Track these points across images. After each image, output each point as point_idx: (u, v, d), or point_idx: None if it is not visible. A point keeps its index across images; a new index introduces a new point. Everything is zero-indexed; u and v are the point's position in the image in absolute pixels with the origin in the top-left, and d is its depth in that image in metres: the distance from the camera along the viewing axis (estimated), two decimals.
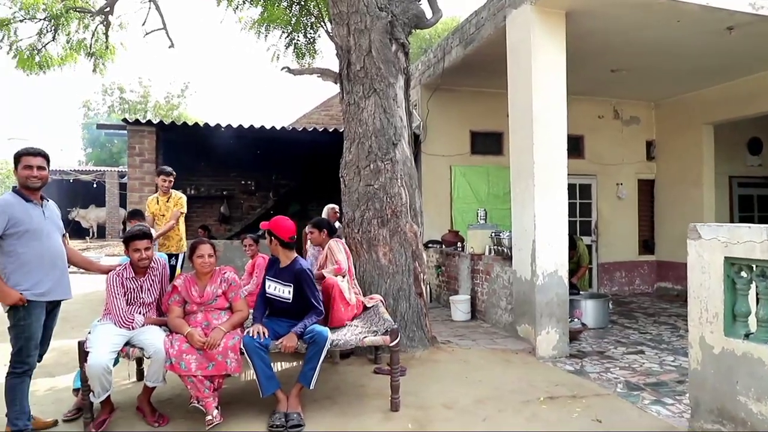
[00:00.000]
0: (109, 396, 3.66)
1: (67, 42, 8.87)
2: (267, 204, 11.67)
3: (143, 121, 8.45)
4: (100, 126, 10.25)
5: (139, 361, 4.57)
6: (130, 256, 3.93)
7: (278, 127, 9.17)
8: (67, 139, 56.01)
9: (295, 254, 4.15)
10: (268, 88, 61.82)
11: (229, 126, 8.77)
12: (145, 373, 3.88)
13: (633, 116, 10.36)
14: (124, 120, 8.44)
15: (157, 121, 8.53)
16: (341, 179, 5.82)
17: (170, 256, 6.20)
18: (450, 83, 9.04)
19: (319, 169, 11.16)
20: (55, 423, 3.74)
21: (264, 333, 3.78)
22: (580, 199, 10.00)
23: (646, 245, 10.46)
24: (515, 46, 6.08)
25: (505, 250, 6.67)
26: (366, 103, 5.61)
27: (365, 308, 4.83)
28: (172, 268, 6.04)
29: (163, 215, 6.41)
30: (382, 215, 5.47)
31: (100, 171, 23.63)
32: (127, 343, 3.80)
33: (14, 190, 3.55)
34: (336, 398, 4.19)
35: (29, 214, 3.47)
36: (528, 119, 5.75)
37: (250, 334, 3.75)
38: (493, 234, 7.09)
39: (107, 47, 9.23)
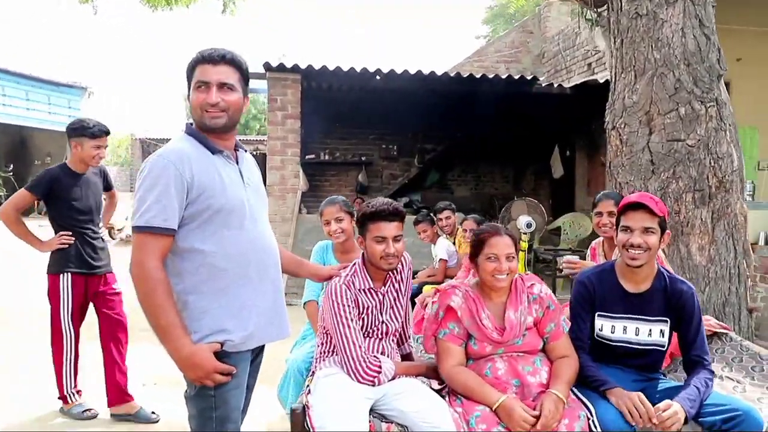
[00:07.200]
0: None
1: None
2: (410, 173, 9.88)
3: (288, 67, 6.82)
4: None
5: None
6: (370, 249, 2.22)
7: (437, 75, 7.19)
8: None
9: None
10: (409, 42, 58.88)
11: (391, 72, 6.92)
12: None
13: None
14: (266, 65, 6.85)
15: (305, 66, 6.82)
16: (612, 132, 3.86)
17: None
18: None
19: (467, 130, 9.32)
20: None
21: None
22: None
23: None
24: None
25: None
26: (669, 14, 3.59)
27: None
28: None
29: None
30: (700, 187, 3.47)
31: None
32: (372, 410, 2.13)
33: (189, 131, 1.89)
34: None
35: (220, 177, 1.80)
36: None
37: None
38: None
39: None
